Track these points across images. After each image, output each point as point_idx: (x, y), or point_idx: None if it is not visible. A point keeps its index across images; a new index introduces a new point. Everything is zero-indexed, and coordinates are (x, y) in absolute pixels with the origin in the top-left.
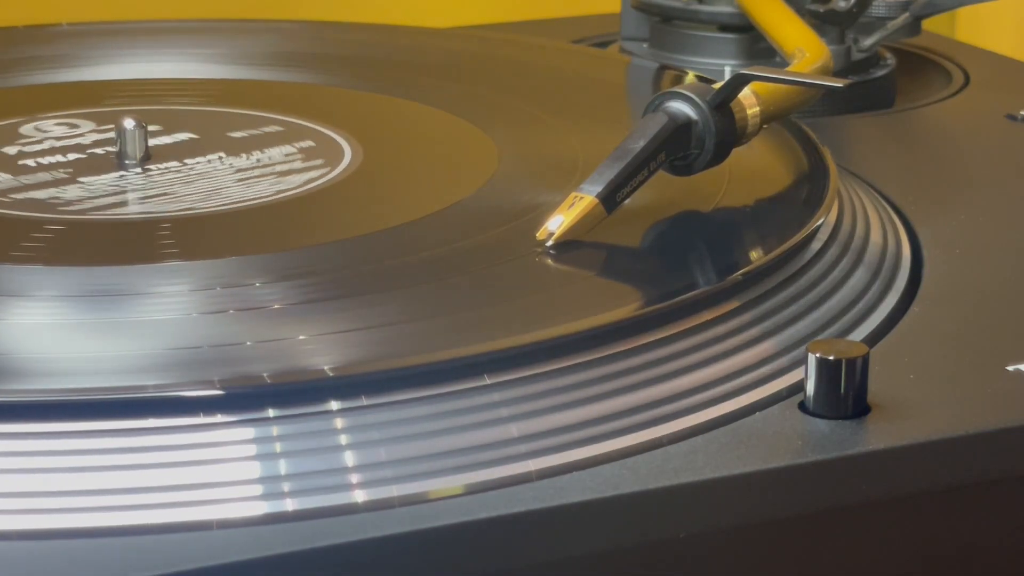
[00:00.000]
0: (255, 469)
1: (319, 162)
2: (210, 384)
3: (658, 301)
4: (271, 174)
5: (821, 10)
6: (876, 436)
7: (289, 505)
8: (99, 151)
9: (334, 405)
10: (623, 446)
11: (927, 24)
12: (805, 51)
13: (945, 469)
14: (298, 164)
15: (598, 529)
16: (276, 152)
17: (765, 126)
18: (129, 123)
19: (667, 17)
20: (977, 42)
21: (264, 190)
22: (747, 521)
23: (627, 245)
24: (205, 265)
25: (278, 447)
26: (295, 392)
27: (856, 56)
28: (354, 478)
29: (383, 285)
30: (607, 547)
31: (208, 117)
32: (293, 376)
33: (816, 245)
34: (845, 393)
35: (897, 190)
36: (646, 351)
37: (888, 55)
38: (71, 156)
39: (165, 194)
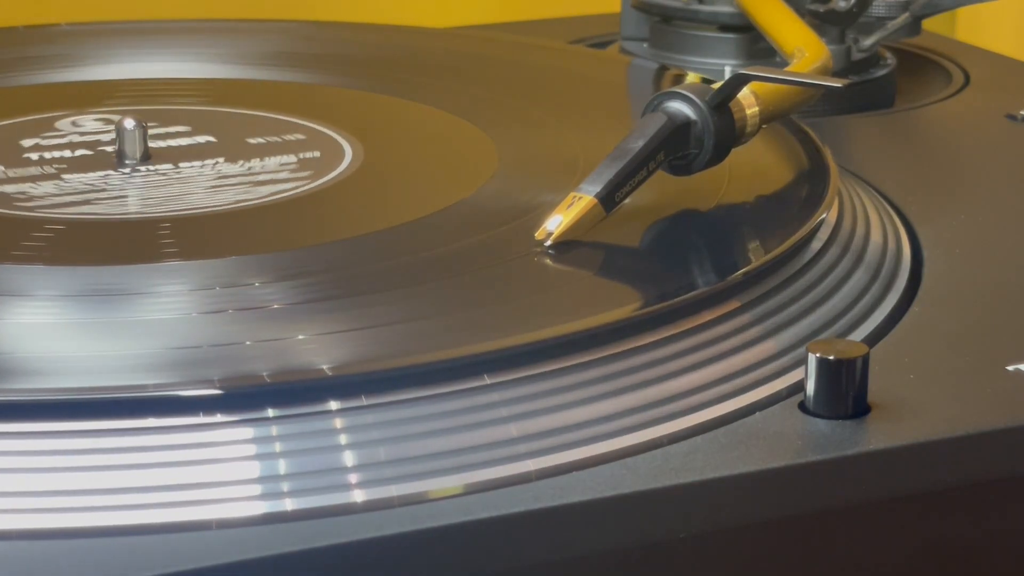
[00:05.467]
0: (254, 469)
1: (318, 158)
2: (209, 384)
3: (658, 301)
4: (265, 177)
5: (821, 10)
6: (876, 436)
7: (288, 505)
8: (98, 151)
9: (333, 405)
10: (623, 446)
11: (927, 24)
12: (805, 51)
13: (945, 469)
14: (293, 166)
15: (598, 529)
16: (275, 151)
17: (764, 126)
18: (129, 123)
19: (667, 17)
20: (977, 42)
21: (254, 193)
22: (747, 521)
23: (626, 245)
24: (204, 265)
25: (277, 447)
26: (294, 392)
27: (856, 56)
28: (353, 478)
29: (383, 285)
30: (607, 547)
31: (208, 117)
32: (292, 376)
33: (816, 245)
34: (845, 393)
35: (897, 190)
36: (646, 351)
37: (888, 55)
38: (78, 152)
39: (136, 196)
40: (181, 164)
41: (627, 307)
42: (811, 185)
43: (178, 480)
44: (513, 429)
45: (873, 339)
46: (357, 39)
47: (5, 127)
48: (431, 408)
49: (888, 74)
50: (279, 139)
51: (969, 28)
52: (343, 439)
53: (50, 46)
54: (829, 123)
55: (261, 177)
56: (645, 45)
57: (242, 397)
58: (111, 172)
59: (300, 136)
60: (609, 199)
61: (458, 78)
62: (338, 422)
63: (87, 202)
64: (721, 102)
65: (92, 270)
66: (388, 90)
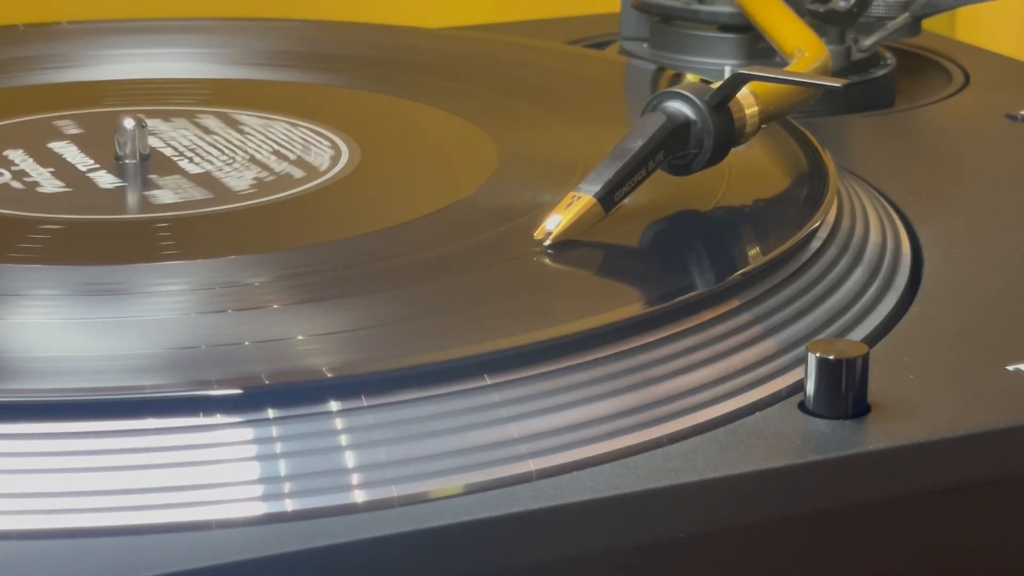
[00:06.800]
0: (254, 469)
1: (316, 158)
2: (209, 384)
3: (658, 301)
4: (264, 177)
5: (821, 10)
6: (876, 436)
7: (288, 505)
8: (97, 150)
9: (333, 405)
10: (623, 446)
11: (927, 24)
12: (804, 51)
13: (945, 469)
14: (291, 166)
15: (598, 529)
16: (274, 151)
17: (764, 126)
18: (129, 123)
19: (667, 17)
20: (977, 42)
21: (252, 193)
22: (747, 521)
23: (626, 245)
24: (204, 265)
25: (277, 447)
26: (294, 392)
27: (856, 56)
28: (354, 478)
29: (383, 285)
30: (607, 547)
31: (207, 117)
32: (292, 376)
33: (816, 244)
34: (845, 393)
35: (897, 190)
36: (646, 351)
37: (888, 55)
38: (77, 152)
39: (135, 195)
40: (180, 164)
41: (627, 307)
42: (811, 185)
43: (178, 481)
44: (513, 429)
45: (873, 339)
46: (357, 39)
47: (5, 127)
48: (431, 408)
49: (888, 74)
50: (278, 139)
51: (969, 28)
52: (343, 440)
53: (50, 45)
54: (829, 123)
55: (259, 177)
56: (645, 45)
57: (241, 398)
58: (110, 172)
59: (299, 136)
60: (608, 199)
61: (458, 78)
62: (338, 423)
63: (86, 202)
64: (720, 102)
65: (92, 270)
66: (387, 90)
